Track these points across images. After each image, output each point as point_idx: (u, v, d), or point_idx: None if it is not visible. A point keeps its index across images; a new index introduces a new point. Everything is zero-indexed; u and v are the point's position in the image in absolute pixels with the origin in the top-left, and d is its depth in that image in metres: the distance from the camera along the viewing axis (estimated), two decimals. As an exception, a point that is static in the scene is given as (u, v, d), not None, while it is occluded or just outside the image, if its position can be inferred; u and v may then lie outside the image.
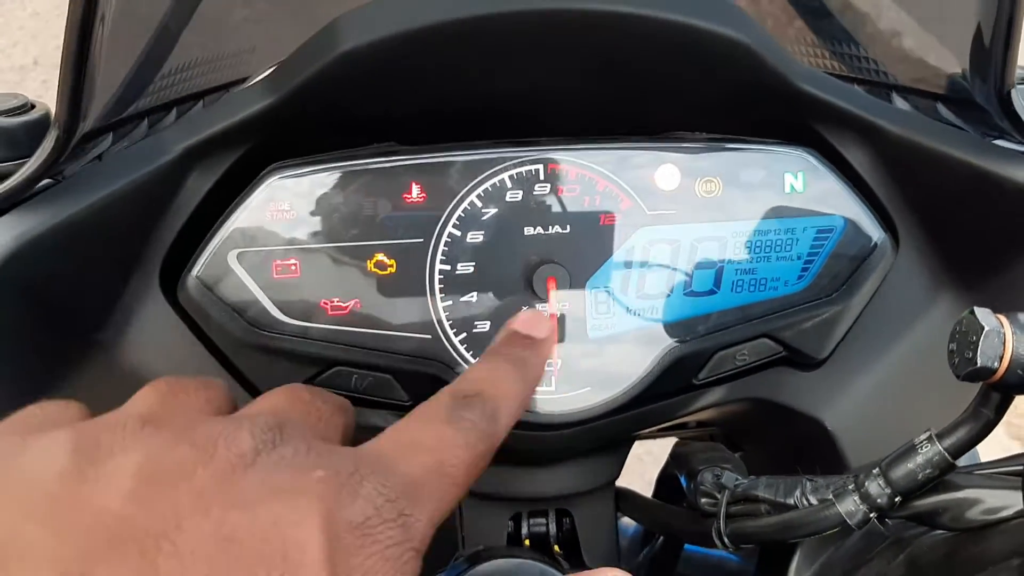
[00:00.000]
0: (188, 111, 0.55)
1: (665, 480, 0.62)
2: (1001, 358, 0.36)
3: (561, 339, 0.54)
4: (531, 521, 0.62)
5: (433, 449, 0.33)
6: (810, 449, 0.59)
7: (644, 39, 0.49)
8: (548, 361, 0.51)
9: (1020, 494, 0.38)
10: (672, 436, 0.71)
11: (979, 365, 0.36)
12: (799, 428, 0.58)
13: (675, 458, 0.56)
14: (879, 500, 0.41)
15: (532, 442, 0.56)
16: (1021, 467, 0.40)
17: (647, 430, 0.61)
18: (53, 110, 0.44)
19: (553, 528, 0.62)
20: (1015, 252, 0.53)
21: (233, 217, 0.51)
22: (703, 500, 0.50)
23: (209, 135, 0.49)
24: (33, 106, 0.51)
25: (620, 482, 0.64)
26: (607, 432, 0.57)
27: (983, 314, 0.37)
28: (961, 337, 0.37)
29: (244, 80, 0.60)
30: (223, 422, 0.30)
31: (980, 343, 0.36)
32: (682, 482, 0.53)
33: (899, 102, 0.56)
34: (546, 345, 0.40)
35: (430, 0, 0.47)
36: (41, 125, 0.50)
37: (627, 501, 0.63)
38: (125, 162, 0.48)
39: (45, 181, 0.47)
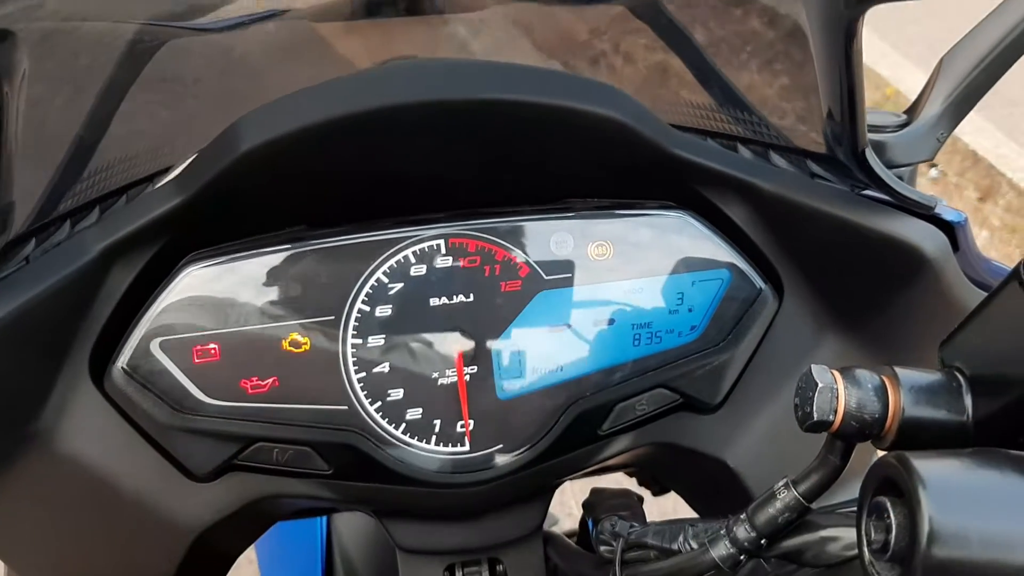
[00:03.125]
0: (111, 207, 0.59)
1: (583, 527, 0.65)
2: (835, 411, 0.40)
3: (471, 401, 0.57)
4: (465, 571, 0.65)
5: None
6: (719, 486, 0.63)
7: (527, 121, 0.53)
8: (459, 422, 0.54)
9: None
10: (596, 476, 0.74)
11: (816, 419, 0.40)
12: (706, 468, 0.62)
13: (585, 507, 0.59)
14: (746, 543, 0.44)
15: (454, 499, 0.59)
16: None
17: (566, 478, 0.64)
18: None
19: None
20: (887, 295, 0.57)
21: (154, 308, 0.54)
22: (602, 548, 0.53)
23: (125, 234, 0.52)
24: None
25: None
26: (525, 484, 0.60)
27: (818, 371, 0.41)
28: (802, 392, 0.41)
29: (168, 170, 0.64)
30: None
31: (815, 398, 0.40)
32: (589, 529, 0.57)
33: (777, 159, 0.60)
34: None
35: (322, 97, 0.51)
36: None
37: (553, 547, 0.66)
38: (48, 264, 0.52)
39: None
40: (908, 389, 0.40)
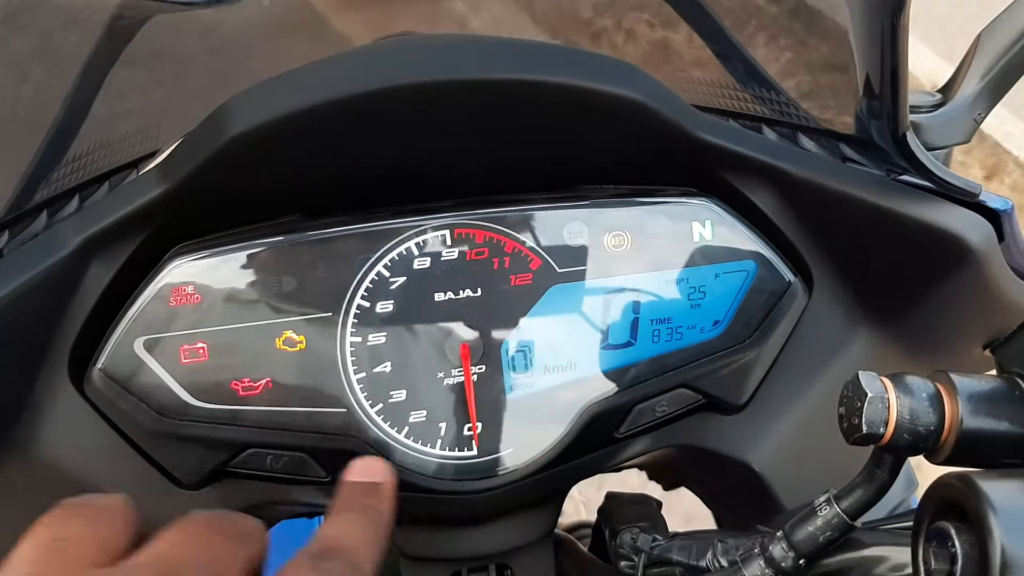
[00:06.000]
0: (92, 195, 0.54)
1: (597, 532, 0.61)
2: (886, 423, 0.36)
3: (479, 402, 0.54)
4: None
5: None
6: (742, 489, 0.59)
7: (536, 102, 0.48)
8: (467, 425, 0.51)
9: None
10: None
11: (865, 432, 0.36)
12: (728, 470, 0.58)
13: (601, 514, 0.56)
14: (783, 563, 0.41)
15: (461, 506, 0.55)
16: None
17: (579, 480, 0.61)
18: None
19: None
20: (925, 288, 0.53)
21: (137, 304, 0.50)
22: (623, 564, 0.50)
23: (105, 226, 0.48)
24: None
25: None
26: (536, 488, 0.56)
27: (867, 379, 0.37)
28: (848, 402, 0.37)
29: (154, 155, 0.60)
30: None
31: (864, 409, 0.36)
32: (605, 537, 0.53)
33: (806, 142, 0.56)
34: (387, 487, 0.40)
35: (316, 77, 0.46)
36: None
37: (565, 553, 0.63)
38: (23, 259, 0.47)
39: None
40: (966, 398, 0.36)
